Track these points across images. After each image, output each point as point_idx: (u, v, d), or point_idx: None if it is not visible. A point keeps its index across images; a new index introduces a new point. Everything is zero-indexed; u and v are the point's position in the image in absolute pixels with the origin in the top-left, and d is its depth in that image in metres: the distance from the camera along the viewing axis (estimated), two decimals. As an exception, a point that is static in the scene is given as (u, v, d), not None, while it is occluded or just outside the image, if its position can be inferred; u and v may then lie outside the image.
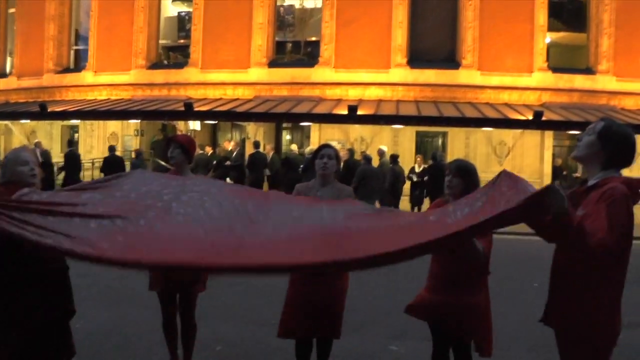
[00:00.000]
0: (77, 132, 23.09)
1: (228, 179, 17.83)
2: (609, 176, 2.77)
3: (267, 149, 18.41)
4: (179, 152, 4.68)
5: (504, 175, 2.87)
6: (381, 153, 16.71)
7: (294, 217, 3.37)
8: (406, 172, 16.80)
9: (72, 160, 17.43)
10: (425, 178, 16.41)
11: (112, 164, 16.43)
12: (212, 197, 3.48)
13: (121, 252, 2.96)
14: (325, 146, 4.57)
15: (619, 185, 2.68)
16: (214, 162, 18.43)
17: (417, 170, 17.18)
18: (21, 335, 3.47)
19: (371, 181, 15.03)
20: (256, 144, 17.58)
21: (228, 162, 17.80)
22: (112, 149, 17.57)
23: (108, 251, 2.92)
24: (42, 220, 3.03)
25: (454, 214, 2.93)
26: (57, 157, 19.64)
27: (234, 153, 18.13)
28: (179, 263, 2.99)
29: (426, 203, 16.03)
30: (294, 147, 18.87)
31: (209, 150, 19.42)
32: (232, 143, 19.38)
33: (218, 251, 3.01)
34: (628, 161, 2.82)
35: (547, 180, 18.92)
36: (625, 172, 2.86)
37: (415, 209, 16.98)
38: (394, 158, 16.34)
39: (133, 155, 17.84)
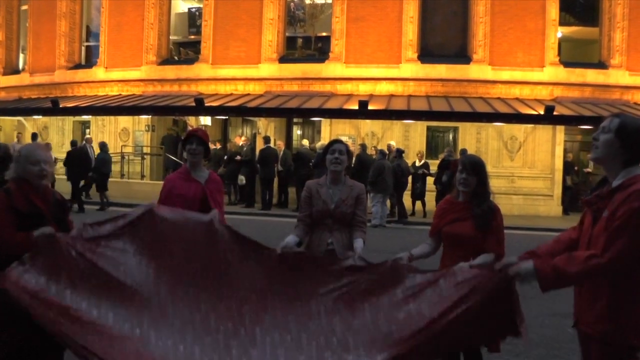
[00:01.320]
0: (88, 127, 23.23)
1: (240, 175, 17.92)
2: (633, 175, 2.71)
3: (277, 145, 18.46)
4: (201, 149, 4.62)
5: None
6: (390, 149, 16.75)
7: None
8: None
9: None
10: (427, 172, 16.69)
11: (75, 158, 16.78)
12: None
13: None
14: (336, 141, 4.54)
15: None
16: (225, 157, 18.52)
17: (417, 164, 17.26)
18: (19, 333, 3.47)
19: (388, 177, 15.12)
20: (267, 140, 17.62)
21: (238, 157, 17.86)
22: (74, 143, 17.96)
23: None
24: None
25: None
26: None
27: (245, 148, 18.20)
28: None
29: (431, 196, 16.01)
30: (306, 142, 18.90)
31: (218, 145, 19.56)
32: (243, 138, 19.45)
33: None
34: None
35: (559, 175, 18.83)
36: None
37: (417, 202, 17.00)
38: (399, 152, 16.38)
39: (97, 149, 18.06)
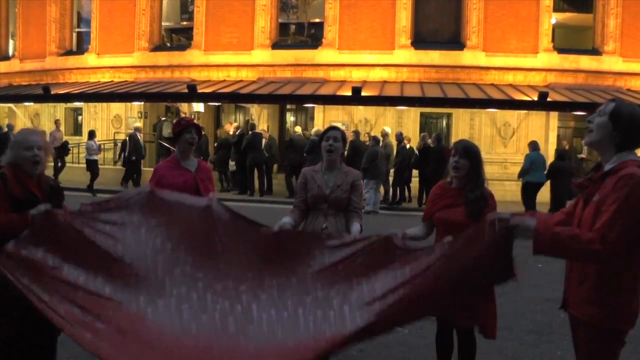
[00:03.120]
0: (80, 114, 23.09)
1: (230, 161, 17.84)
2: (625, 160, 2.71)
3: (261, 131, 18.38)
4: (197, 138, 4.68)
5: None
6: (384, 134, 16.74)
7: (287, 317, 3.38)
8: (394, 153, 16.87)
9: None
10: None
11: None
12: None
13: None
14: (331, 128, 4.54)
15: (636, 171, 2.63)
16: (215, 144, 18.49)
17: None
18: (15, 321, 3.45)
19: (380, 163, 15.16)
20: (252, 126, 17.49)
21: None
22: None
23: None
24: (47, 295, 3.21)
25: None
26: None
27: (235, 135, 18.07)
28: None
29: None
30: (299, 128, 18.83)
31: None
32: (235, 125, 19.40)
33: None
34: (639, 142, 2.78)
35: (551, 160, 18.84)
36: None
37: (405, 188, 16.98)
38: (401, 136, 16.52)
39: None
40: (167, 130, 20.36)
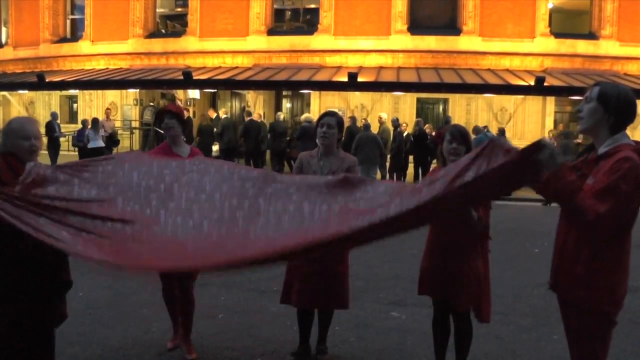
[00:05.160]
0: (75, 102, 22.98)
1: (214, 147, 17.80)
2: (620, 143, 2.71)
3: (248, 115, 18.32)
4: (174, 122, 4.59)
5: (493, 149, 2.61)
6: (381, 120, 16.71)
7: (295, 204, 3.31)
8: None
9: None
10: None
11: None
12: (211, 179, 3.56)
13: (130, 258, 3.12)
14: (326, 114, 4.52)
15: (631, 155, 2.63)
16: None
17: None
18: (14, 308, 3.43)
19: (366, 148, 15.13)
20: (249, 113, 17.42)
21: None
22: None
23: (118, 257, 3.07)
24: (43, 220, 3.15)
25: (444, 180, 2.74)
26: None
27: (219, 122, 17.95)
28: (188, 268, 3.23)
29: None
30: (280, 114, 18.55)
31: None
32: (221, 111, 19.35)
33: (226, 249, 3.11)
34: (631, 119, 2.78)
35: (549, 146, 18.87)
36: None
37: (402, 174, 16.96)
38: (397, 122, 16.50)
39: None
40: (147, 116, 20.36)
